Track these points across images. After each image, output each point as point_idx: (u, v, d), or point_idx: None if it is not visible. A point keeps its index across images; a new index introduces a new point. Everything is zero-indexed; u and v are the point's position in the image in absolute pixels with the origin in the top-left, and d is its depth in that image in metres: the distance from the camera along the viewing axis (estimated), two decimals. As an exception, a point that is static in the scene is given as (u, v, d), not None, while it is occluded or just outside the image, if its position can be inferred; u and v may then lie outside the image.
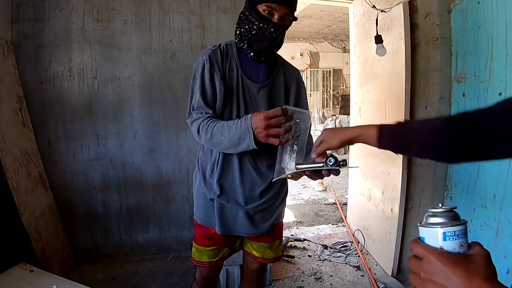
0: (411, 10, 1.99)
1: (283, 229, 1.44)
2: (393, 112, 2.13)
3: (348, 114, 4.91)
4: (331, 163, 0.86)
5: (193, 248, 1.33)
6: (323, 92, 9.21)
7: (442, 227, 0.41)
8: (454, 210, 0.43)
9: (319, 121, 8.04)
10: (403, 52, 1.96)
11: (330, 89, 9.23)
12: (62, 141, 2.18)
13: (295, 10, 1.13)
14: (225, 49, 1.17)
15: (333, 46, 8.85)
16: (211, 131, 1.06)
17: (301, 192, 4.31)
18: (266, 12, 1.07)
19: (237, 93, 1.15)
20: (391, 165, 2.17)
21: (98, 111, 2.19)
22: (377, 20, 2.02)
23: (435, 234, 0.41)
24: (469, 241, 0.42)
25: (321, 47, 8.73)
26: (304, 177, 0.99)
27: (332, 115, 8.46)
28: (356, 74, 2.73)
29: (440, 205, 0.44)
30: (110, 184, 2.27)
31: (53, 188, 2.17)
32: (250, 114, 1.00)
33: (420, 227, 0.43)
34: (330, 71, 9.08)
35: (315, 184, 4.42)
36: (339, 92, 9.31)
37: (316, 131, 7.73)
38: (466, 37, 1.77)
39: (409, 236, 2.18)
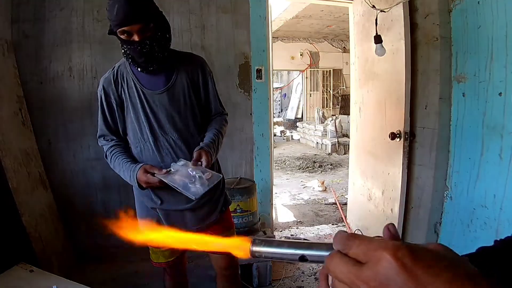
0: (411, 10, 1.99)
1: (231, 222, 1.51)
2: (393, 112, 2.13)
3: (348, 114, 4.91)
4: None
5: (150, 251, 1.37)
6: (323, 92, 9.20)
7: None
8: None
9: (319, 121, 8.02)
10: (403, 52, 1.96)
11: (330, 89, 9.22)
12: (62, 141, 2.18)
13: (152, 16, 1.12)
14: (118, 71, 1.24)
15: (333, 46, 8.83)
16: (113, 163, 1.23)
17: (301, 192, 4.31)
18: (125, 35, 1.10)
19: (141, 105, 1.22)
20: (391, 165, 2.17)
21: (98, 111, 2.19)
22: (376, 20, 2.02)
23: None
24: None
25: (321, 47, 8.71)
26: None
27: (332, 115, 8.45)
28: (356, 74, 2.73)
29: None
30: (110, 184, 2.27)
31: (53, 188, 2.17)
32: (138, 168, 1.15)
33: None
34: (330, 71, 9.06)
35: (315, 184, 4.43)
36: (339, 92, 9.30)
37: (316, 131, 7.73)
38: (466, 37, 1.77)
39: (409, 236, 2.18)
